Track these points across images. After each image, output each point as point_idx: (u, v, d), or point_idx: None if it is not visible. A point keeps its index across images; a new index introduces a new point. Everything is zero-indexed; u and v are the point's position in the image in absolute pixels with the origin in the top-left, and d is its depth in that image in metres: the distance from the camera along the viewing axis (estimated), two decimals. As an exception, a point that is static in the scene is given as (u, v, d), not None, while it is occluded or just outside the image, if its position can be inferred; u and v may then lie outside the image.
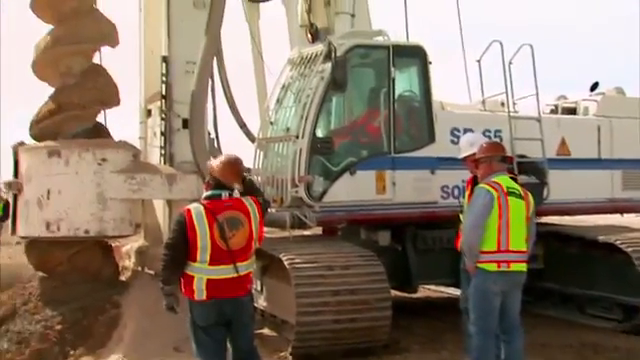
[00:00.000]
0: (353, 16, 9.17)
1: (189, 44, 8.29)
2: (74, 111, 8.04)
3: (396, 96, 7.75)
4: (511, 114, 8.07)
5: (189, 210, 4.77)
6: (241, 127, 9.61)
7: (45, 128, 8.13)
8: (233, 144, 9.57)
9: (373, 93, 7.94)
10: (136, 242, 9.26)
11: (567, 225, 8.86)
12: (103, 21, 8.29)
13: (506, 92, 8.10)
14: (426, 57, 7.85)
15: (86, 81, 8.11)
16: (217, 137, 9.00)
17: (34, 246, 8.09)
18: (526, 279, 5.50)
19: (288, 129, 7.72)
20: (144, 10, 9.25)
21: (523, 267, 5.44)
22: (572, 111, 9.38)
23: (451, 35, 10.06)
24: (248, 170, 8.76)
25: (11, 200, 8.22)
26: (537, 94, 8.18)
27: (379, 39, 7.97)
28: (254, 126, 9.20)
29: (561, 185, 8.22)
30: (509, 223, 5.36)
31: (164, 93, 8.49)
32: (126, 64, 9.67)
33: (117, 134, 8.57)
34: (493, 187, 5.43)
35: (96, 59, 8.53)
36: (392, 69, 7.65)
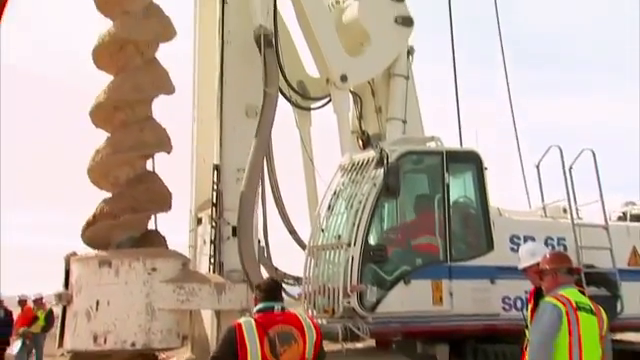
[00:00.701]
0: (405, 122, 9.18)
1: (240, 152, 8.36)
2: (107, 220, 8.12)
3: (451, 202, 7.58)
4: (575, 221, 7.72)
5: (240, 325, 4.58)
6: (291, 234, 9.48)
7: (90, 236, 8.20)
8: (283, 251, 9.42)
9: (427, 199, 7.80)
10: (183, 354, 8.98)
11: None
12: (155, 129, 8.45)
13: (568, 198, 7.82)
14: (481, 162, 7.69)
15: (125, 190, 8.23)
16: (267, 245, 8.88)
17: (75, 358, 7.93)
18: (603, 404, 5.00)
19: (339, 236, 7.56)
20: (197, 119, 9.42)
21: (600, 391, 4.95)
22: (643, 218, 8.95)
23: (507, 138, 9.90)
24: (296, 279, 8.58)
25: (60, 312, 8.15)
26: (602, 200, 7.87)
27: (432, 145, 7.86)
28: (305, 233, 9.06)
29: (636, 298, 7.73)
30: (581, 341, 4.93)
31: (215, 201, 8.49)
32: (179, 171, 9.80)
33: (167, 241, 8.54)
34: (561, 301, 5.04)
35: (149, 165, 8.65)
36: (446, 175, 7.50)
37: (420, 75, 9.79)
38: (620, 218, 8.99)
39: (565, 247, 7.39)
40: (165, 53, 8.69)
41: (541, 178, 8.26)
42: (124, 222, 8.11)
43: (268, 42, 8.50)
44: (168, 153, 8.60)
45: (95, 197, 8.45)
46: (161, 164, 8.68)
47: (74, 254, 8.12)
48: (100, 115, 8.35)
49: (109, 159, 8.23)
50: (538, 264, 5.61)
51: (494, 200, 7.77)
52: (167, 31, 8.54)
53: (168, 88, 8.56)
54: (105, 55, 8.30)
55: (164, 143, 8.49)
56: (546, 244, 7.34)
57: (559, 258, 5.46)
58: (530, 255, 6.09)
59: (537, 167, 8.14)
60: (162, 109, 8.76)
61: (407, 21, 9.36)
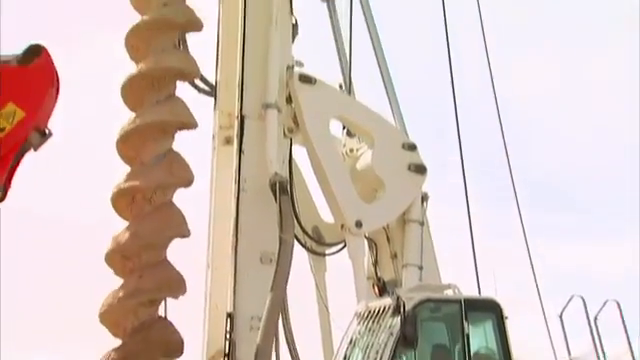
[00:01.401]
0: (421, 268, 9.05)
1: (254, 299, 8.21)
2: None
3: (472, 353, 7.29)
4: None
5: None
6: (306, 386, 9.07)
7: None
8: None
9: (446, 350, 7.54)
10: None
11: None
12: (156, 274, 8.40)
13: (596, 351, 7.50)
14: (501, 311, 7.50)
15: (126, 340, 8.03)
16: (281, 399, 8.47)
17: None
18: None
19: (356, 389, 7.22)
20: (211, 266, 9.34)
21: None
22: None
23: (526, 284, 9.70)
24: None
25: None
26: (632, 354, 7.52)
27: (449, 293, 7.70)
28: (320, 384, 8.69)
29: None
30: None
31: (227, 351, 8.21)
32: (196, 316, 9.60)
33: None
34: None
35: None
36: (465, 324, 7.28)
37: (436, 217, 9.81)
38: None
39: (599, 403, 6.99)
40: (185, 195, 8.84)
41: (565, 329, 7.97)
42: None
43: (283, 189, 8.59)
44: (175, 298, 8.48)
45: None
46: (177, 309, 8.55)
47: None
48: (113, 263, 8.38)
49: (112, 308, 8.21)
50: None
51: (517, 351, 7.46)
52: (183, 177, 8.70)
53: (179, 232, 8.59)
54: (122, 205, 8.49)
55: (169, 288, 8.41)
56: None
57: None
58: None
59: (560, 317, 7.87)
60: (181, 253, 8.76)
61: (420, 169, 9.52)
